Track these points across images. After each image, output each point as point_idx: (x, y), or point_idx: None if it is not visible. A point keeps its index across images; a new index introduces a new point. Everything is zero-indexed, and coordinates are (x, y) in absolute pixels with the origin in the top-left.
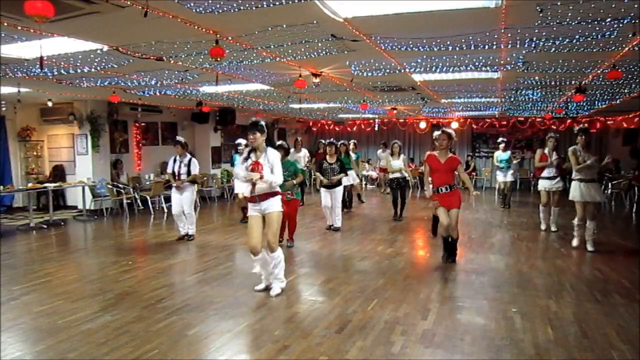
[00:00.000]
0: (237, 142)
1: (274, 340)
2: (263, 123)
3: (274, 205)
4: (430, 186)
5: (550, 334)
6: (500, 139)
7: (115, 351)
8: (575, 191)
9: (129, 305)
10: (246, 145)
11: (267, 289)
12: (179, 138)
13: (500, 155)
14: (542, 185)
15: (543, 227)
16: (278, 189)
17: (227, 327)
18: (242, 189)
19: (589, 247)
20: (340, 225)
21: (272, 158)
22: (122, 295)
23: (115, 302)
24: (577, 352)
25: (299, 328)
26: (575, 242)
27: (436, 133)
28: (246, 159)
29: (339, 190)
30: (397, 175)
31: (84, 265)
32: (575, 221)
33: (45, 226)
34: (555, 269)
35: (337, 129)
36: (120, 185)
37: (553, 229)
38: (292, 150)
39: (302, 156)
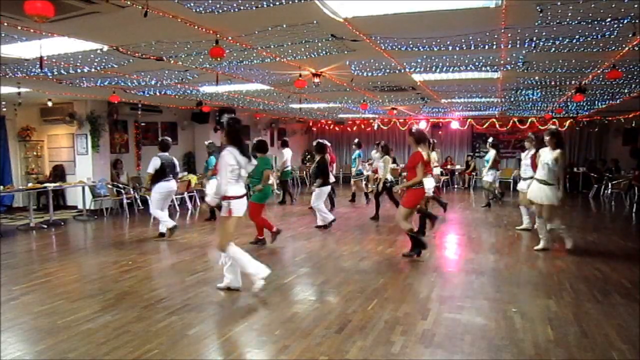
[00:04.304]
0: (207, 143)
1: (274, 340)
2: (225, 119)
3: (221, 210)
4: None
5: (550, 334)
6: (491, 139)
7: (115, 351)
8: (529, 189)
9: (129, 305)
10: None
11: (228, 288)
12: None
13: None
14: (519, 186)
15: (524, 226)
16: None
17: (227, 327)
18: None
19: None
20: (318, 224)
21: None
22: (122, 295)
23: (115, 302)
24: (577, 352)
25: (299, 328)
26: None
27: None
28: None
29: (315, 191)
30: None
31: (84, 265)
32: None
33: (45, 226)
34: (555, 269)
35: (337, 128)
36: (120, 185)
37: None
38: (286, 149)
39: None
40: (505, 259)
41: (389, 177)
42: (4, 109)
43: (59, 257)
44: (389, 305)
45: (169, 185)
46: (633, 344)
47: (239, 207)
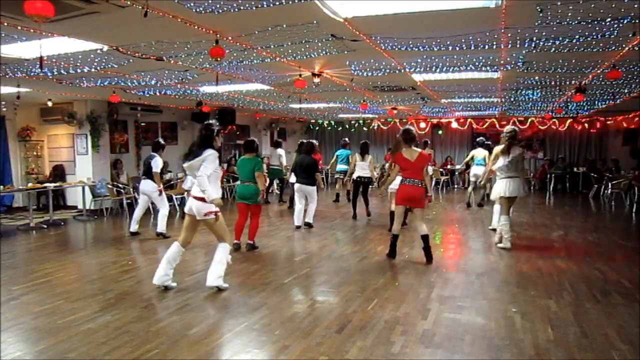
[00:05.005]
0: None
1: (274, 340)
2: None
3: None
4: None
5: (550, 334)
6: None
7: (115, 351)
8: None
9: (129, 305)
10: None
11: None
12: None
13: None
14: None
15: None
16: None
17: (227, 327)
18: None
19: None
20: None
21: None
22: (122, 295)
23: (115, 302)
24: (577, 352)
25: (299, 328)
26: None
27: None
28: None
29: None
30: (364, 174)
31: (84, 265)
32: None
33: (45, 226)
34: (555, 269)
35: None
36: (120, 185)
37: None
38: (279, 149)
39: (281, 154)
40: (505, 259)
41: (356, 175)
42: (4, 109)
43: (59, 257)
44: (389, 305)
45: (140, 185)
46: (633, 344)
47: (187, 204)
